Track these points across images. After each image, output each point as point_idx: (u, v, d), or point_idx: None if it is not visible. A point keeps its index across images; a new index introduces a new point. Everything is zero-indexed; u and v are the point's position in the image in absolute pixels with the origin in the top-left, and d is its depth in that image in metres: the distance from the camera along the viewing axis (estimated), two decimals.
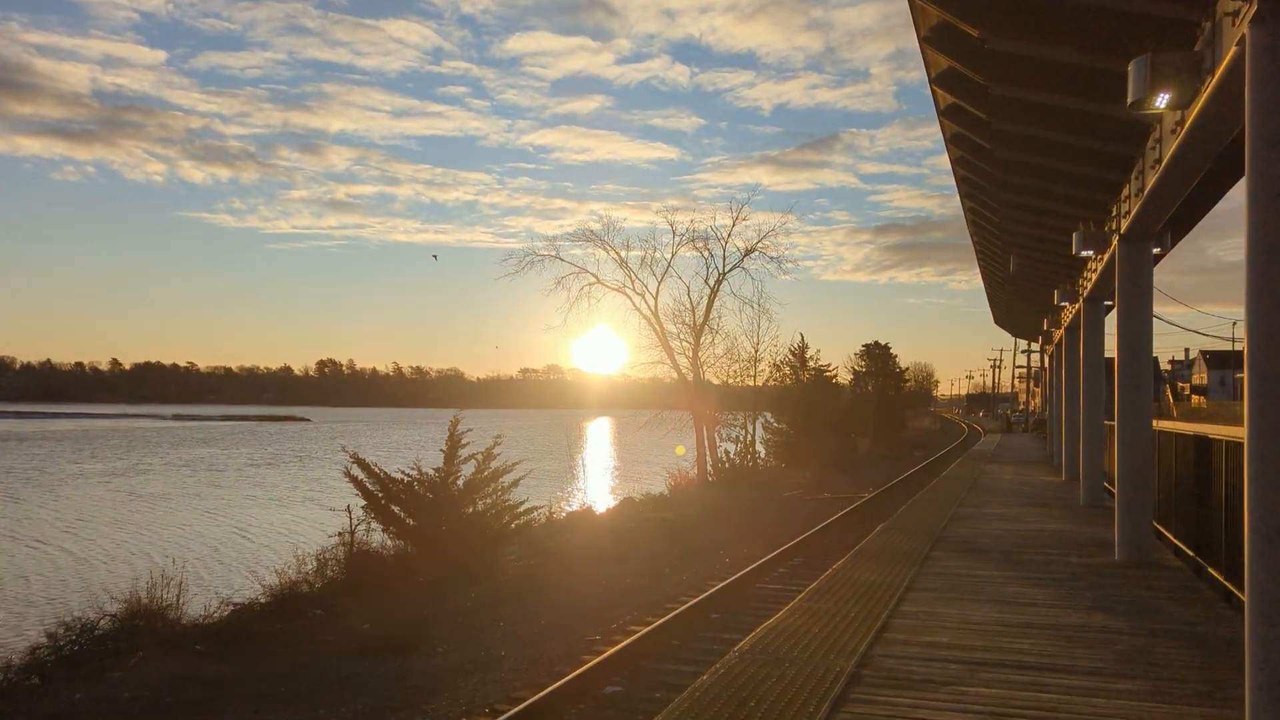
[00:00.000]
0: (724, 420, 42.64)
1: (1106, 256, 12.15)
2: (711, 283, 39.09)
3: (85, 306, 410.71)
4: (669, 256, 39.22)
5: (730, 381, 43.38)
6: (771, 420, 54.76)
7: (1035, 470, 28.23)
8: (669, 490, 37.74)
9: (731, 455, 39.49)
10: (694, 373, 39.35)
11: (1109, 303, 15.75)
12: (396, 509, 17.32)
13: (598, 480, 50.34)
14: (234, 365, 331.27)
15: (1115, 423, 11.03)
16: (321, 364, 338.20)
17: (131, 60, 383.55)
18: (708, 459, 38.92)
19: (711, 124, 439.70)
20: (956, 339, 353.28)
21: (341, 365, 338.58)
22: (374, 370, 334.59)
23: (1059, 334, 23.63)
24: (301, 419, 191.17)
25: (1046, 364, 38.67)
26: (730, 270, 39.11)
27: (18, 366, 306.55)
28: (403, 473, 17.78)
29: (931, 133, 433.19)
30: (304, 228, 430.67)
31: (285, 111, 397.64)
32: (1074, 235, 11.51)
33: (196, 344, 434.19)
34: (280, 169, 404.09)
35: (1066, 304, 17.02)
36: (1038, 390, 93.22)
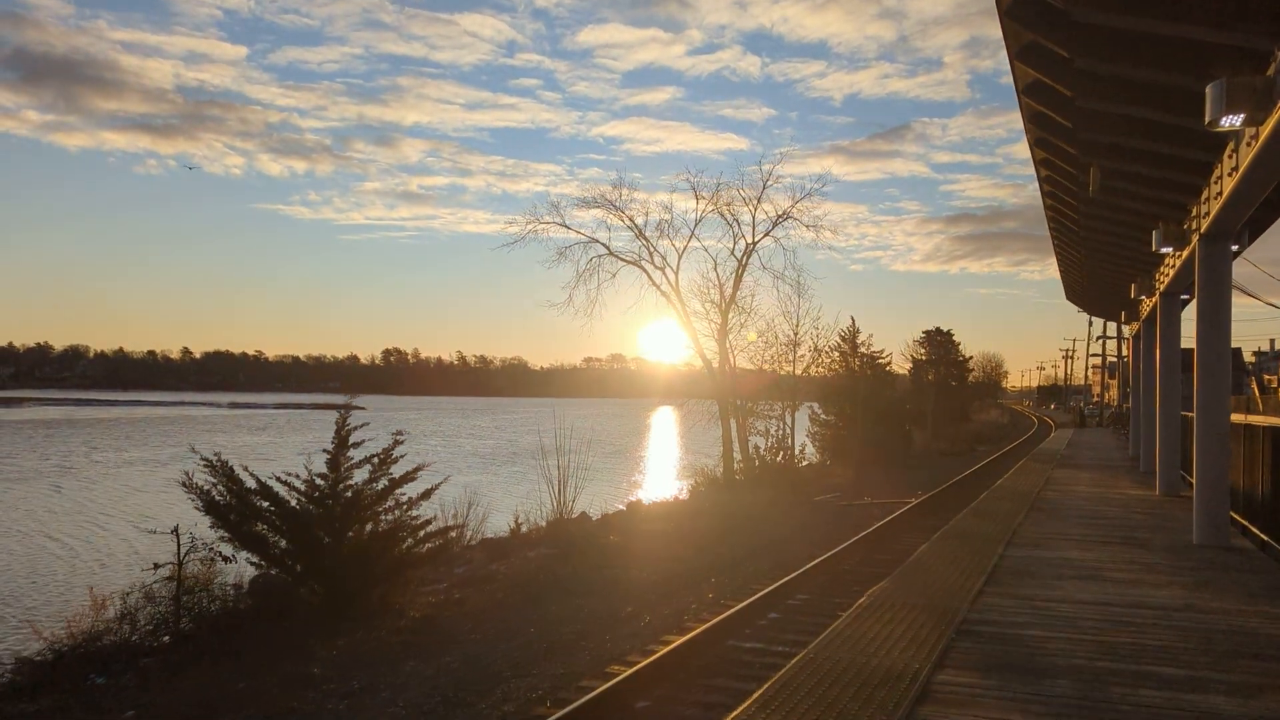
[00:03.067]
0: (758, 411, 37.90)
1: (1269, 128, 7.18)
2: (739, 254, 34.35)
3: (162, 297, 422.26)
4: (692, 225, 34.50)
5: (765, 368, 38.60)
6: (819, 411, 50.06)
7: (1117, 479, 22.53)
8: (689, 491, 33.30)
9: (761, 450, 34.77)
10: (720, 356, 34.72)
11: (1236, 247, 10.97)
12: (263, 528, 13.12)
13: (623, 477, 46.11)
14: (301, 354, 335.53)
15: None
16: (387, 353, 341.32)
17: (213, 56, 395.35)
18: (736, 455, 34.28)
19: (782, 114, 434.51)
20: (1028, 330, 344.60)
21: (407, 354, 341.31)
22: (439, 359, 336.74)
23: (1150, 303, 18.47)
24: (357, 408, 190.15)
25: (1128, 348, 33.33)
26: (760, 240, 34.32)
27: (91, 355, 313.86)
28: (279, 479, 13.59)
29: (1005, 121, 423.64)
30: (376, 219, 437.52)
31: (360, 105, 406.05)
32: (1208, 92, 6.85)
33: (268, 334, 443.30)
34: (355, 161, 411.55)
35: (1170, 250, 11.98)
36: (1113, 382, 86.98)
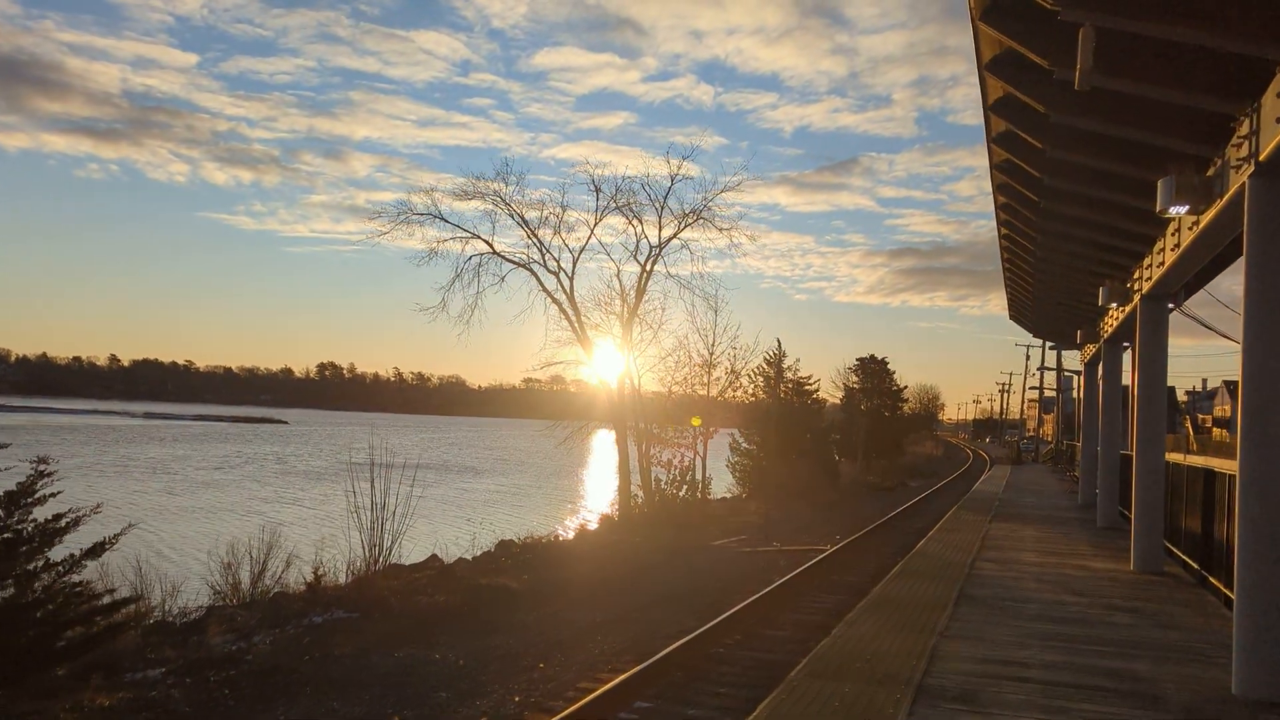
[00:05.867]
0: (667, 438, 33.79)
1: None
2: (643, 259, 30.25)
3: (95, 302, 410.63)
4: (591, 224, 30.34)
5: (676, 390, 34.56)
6: (740, 439, 46.18)
7: (1072, 540, 17.65)
8: (579, 530, 29.07)
9: (663, 483, 30.63)
10: (620, 374, 30.57)
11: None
12: None
13: (512, 512, 41.82)
14: (234, 365, 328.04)
15: None
16: (322, 367, 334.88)
17: (163, 62, 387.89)
18: (634, 488, 30.13)
19: (733, 143, 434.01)
20: (966, 364, 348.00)
21: (342, 369, 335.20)
22: (375, 375, 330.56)
23: (1122, 313, 14.48)
24: (279, 421, 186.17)
25: (1079, 380, 29.77)
26: (667, 242, 30.25)
27: (12, 359, 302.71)
28: None
29: (950, 159, 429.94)
30: (322, 232, 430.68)
31: (311, 118, 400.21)
32: None
33: (204, 344, 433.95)
34: (302, 173, 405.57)
35: (1181, 210, 7.82)
36: (1049, 417, 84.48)
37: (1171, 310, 12.31)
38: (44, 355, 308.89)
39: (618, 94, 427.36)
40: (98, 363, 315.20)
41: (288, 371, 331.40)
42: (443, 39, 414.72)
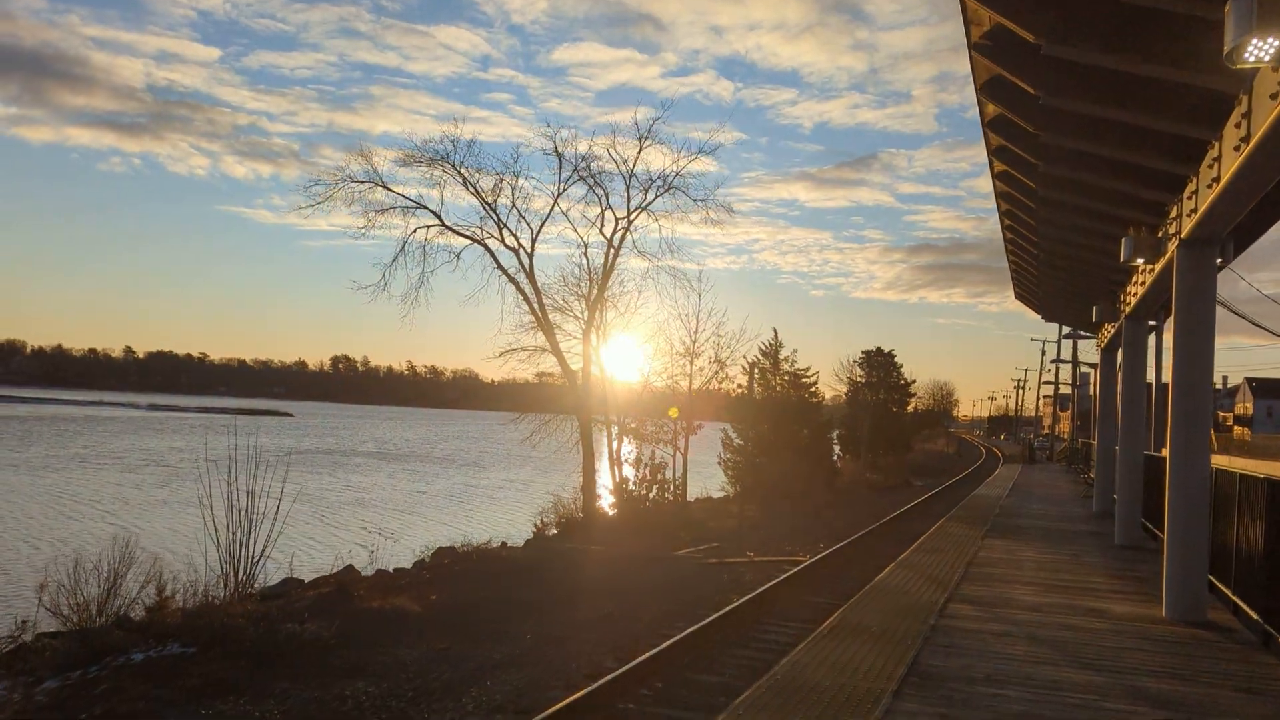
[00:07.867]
0: (645, 433, 30.88)
1: None
2: (609, 233, 27.25)
3: (115, 295, 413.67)
4: (554, 194, 27.35)
5: (651, 381, 31.59)
6: (733, 435, 43.21)
7: (1082, 566, 13.91)
8: (535, 532, 26.22)
9: (631, 483, 27.70)
10: (585, 361, 27.62)
11: None
12: None
13: (484, 510, 39.11)
14: (248, 358, 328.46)
15: None
16: (335, 360, 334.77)
17: (186, 56, 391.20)
18: (600, 486, 27.25)
19: (752, 139, 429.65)
20: (983, 361, 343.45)
21: (356, 362, 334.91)
22: (389, 368, 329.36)
23: (1154, 271, 11.32)
24: (284, 414, 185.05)
25: (1097, 371, 26.67)
26: (636, 214, 27.22)
27: (28, 351, 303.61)
28: None
29: (969, 155, 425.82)
30: (341, 226, 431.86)
31: (331, 112, 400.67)
32: None
33: (221, 336, 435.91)
34: (321, 167, 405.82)
35: (1267, 49, 4.79)
36: (1064, 415, 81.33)
37: (1221, 267, 9.05)
38: (59, 347, 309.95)
39: (637, 89, 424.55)
40: (113, 355, 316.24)
41: (301, 364, 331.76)
42: (463, 34, 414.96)
